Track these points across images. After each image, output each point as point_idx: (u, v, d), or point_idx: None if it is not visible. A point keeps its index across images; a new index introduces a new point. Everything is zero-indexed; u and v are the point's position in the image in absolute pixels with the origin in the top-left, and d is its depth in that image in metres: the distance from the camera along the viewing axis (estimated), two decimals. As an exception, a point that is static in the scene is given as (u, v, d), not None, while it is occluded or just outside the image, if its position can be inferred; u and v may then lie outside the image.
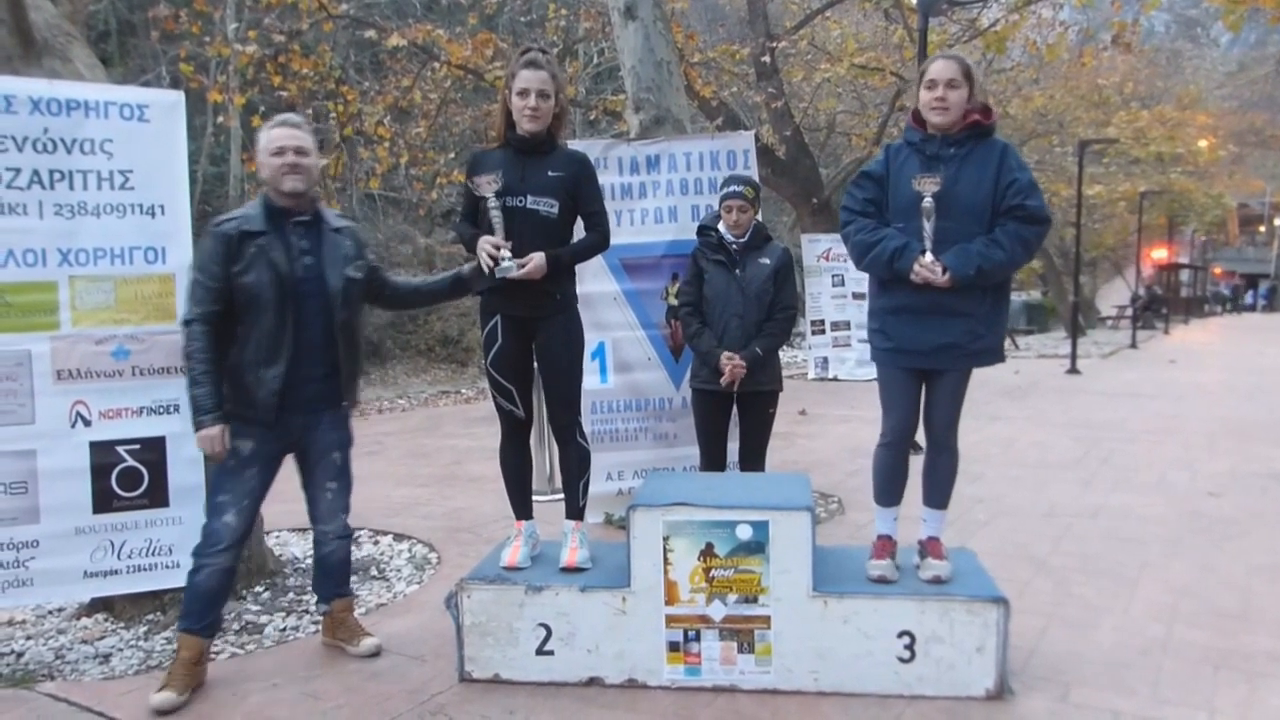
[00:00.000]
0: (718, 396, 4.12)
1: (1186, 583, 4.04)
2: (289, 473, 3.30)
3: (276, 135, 3.12)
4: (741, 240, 4.07)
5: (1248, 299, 47.97)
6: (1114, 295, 33.34)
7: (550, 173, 3.23)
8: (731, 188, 4.06)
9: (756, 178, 4.49)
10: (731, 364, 3.95)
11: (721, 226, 4.10)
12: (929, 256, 2.98)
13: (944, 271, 2.96)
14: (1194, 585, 4.01)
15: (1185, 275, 37.02)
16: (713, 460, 4.23)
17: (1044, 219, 3.00)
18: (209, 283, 3.03)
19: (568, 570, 3.20)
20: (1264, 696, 2.95)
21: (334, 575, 3.43)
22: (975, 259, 2.95)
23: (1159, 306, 28.24)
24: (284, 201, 3.13)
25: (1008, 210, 2.99)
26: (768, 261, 4.06)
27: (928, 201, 2.95)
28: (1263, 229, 48.13)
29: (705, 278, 4.11)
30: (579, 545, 3.28)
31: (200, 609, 3.08)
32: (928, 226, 2.97)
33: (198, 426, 3.02)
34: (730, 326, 4.03)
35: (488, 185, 3.13)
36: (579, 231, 3.39)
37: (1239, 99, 24.88)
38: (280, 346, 3.06)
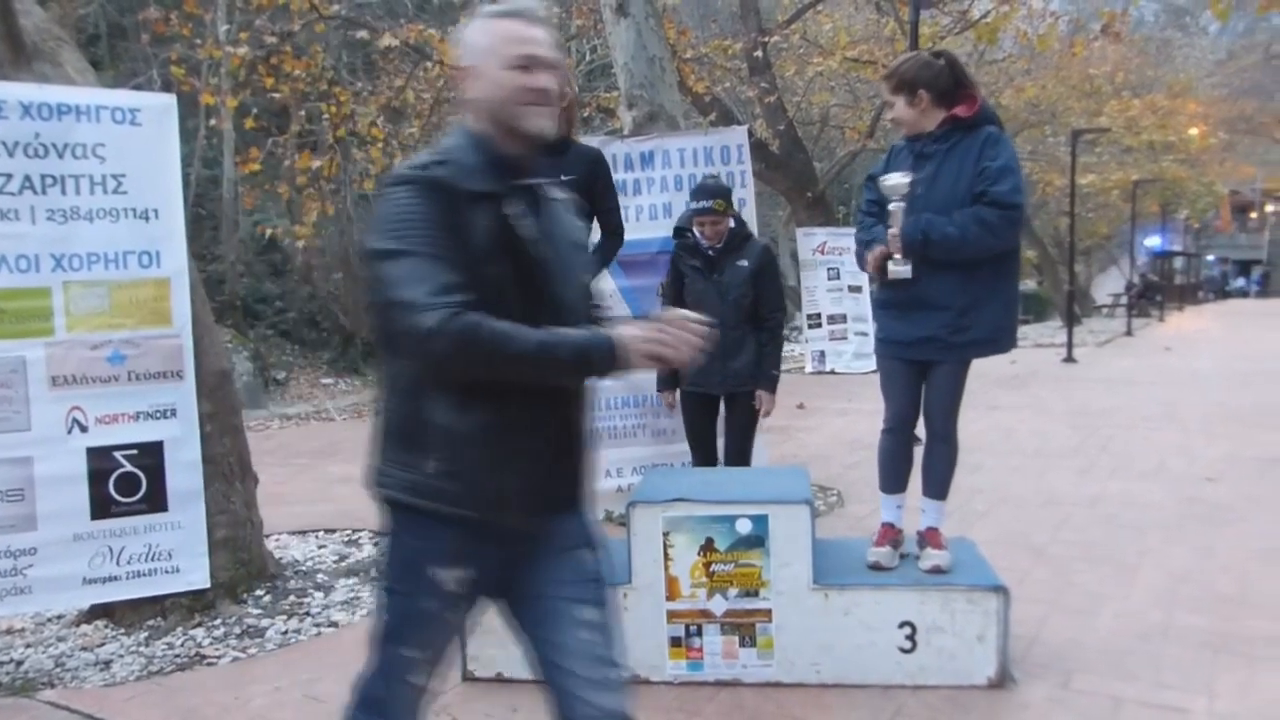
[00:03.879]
0: (705, 398, 4.17)
1: (1186, 568, 4.06)
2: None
3: (522, 33, 1.66)
4: (718, 246, 4.04)
5: (1239, 283, 48.15)
6: (1109, 284, 33.38)
7: (564, 176, 3.23)
8: (702, 203, 3.93)
9: (750, 172, 4.49)
10: (764, 401, 4.05)
11: (696, 231, 4.09)
12: (879, 248, 3.06)
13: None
14: (1193, 571, 4.02)
15: (1179, 262, 37.09)
16: (703, 458, 4.26)
17: (1008, 204, 2.92)
18: (445, 255, 1.56)
19: (568, 567, 3.19)
20: (1263, 679, 2.96)
21: None
22: (923, 224, 2.97)
23: (1154, 294, 28.27)
24: (515, 147, 1.71)
25: (976, 196, 2.98)
26: (746, 264, 4.02)
27: (893, 205, 3.02)
28: (1254, 215, 48.20)
29: (685, 281, 4.11)
30: (579, 542, 3.26)
31: None
32: (890, 220, 3.03)
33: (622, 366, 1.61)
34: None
35: None
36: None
37: (1229, 87, 24.85)
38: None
